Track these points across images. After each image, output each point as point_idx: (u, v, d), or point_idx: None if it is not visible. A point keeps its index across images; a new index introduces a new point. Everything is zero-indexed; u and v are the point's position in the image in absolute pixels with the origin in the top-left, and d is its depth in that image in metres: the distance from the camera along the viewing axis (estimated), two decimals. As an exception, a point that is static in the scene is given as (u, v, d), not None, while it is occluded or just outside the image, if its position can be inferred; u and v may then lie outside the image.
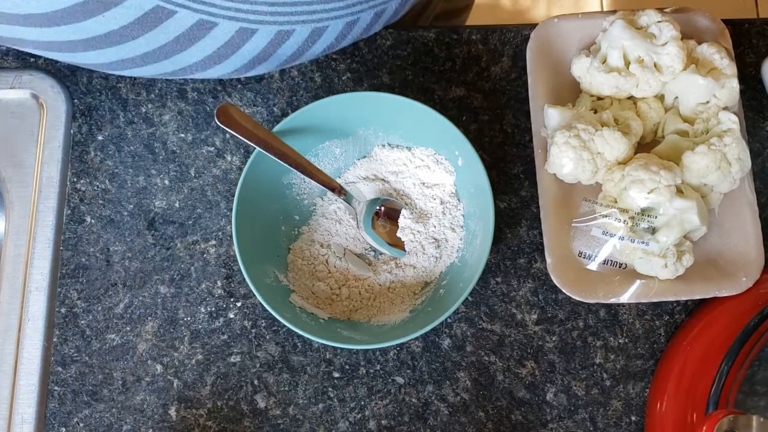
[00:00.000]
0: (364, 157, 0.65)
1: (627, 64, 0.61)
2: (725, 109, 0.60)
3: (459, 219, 0.63)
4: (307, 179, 0.60)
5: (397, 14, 0.60)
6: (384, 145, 0.64)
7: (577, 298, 0.60)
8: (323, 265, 0.63)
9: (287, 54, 0.57)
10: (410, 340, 0.61)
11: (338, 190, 0.61)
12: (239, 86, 0.68)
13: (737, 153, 0.58)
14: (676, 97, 0.62)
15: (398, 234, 0.63)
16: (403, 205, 0.64)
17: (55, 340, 0.63)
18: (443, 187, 0.64)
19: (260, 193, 0.61)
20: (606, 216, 0.59)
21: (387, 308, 0.61)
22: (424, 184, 0.64)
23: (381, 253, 0.63)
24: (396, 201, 0.64)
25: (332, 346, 0.62)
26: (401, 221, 0.63)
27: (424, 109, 0.59)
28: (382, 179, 0.65)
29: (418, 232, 0.63)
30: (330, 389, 0.62)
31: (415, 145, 0.64)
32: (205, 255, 0.65)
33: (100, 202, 0.66)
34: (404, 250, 0.63)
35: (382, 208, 0.63)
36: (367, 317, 0.61)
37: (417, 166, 0.64)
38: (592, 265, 0.60)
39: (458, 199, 0.63)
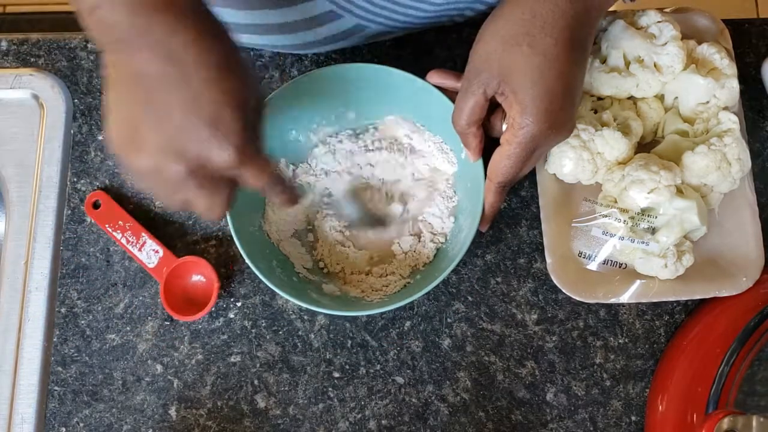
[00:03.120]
0: (376, 128, 0.66)
1: (627, 64, 0.61)
2: (725, 109, 0.60)
3: (451, 210, 0.63)
4: (307, 134, 0.64)
5: None
6: (394, 119, 0.65)
7: (577, 298, 0.60)
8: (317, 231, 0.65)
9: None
10: (410, 340, 0.61)
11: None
12: (239, 86, 0.68)
13: (737, 153, 0.58)
14: (676, 97, 0.62)
15: (387, 219, 0.64)
16: (389, 191, 0.65)
17: (55, 340, 0.63)
18: (442, 176, 0.64)
19: None
20: (606, 216, 0.59)
21: (374, 290, 0.62)
22: (426, 167, 0.65)
23: (373, 231, 0.64)
24: (377, 185, 0.65)
25: (331, 344, 0.62)
26: (391, 207, 0.64)
27: (438, 96, 0.59)
28: (379, 159, 0.65)
29: (408, 217, 0.64)
30: (330, 389, 0.62)
31: (426, 127, 0.64)
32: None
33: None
34: (393, 234, 0.64)
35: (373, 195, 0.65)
36: (356, 295, 0.62)
37: (419, 150, 0.64)
38: (592, 265, 0.60)
39: (454, 191, 0.63)
